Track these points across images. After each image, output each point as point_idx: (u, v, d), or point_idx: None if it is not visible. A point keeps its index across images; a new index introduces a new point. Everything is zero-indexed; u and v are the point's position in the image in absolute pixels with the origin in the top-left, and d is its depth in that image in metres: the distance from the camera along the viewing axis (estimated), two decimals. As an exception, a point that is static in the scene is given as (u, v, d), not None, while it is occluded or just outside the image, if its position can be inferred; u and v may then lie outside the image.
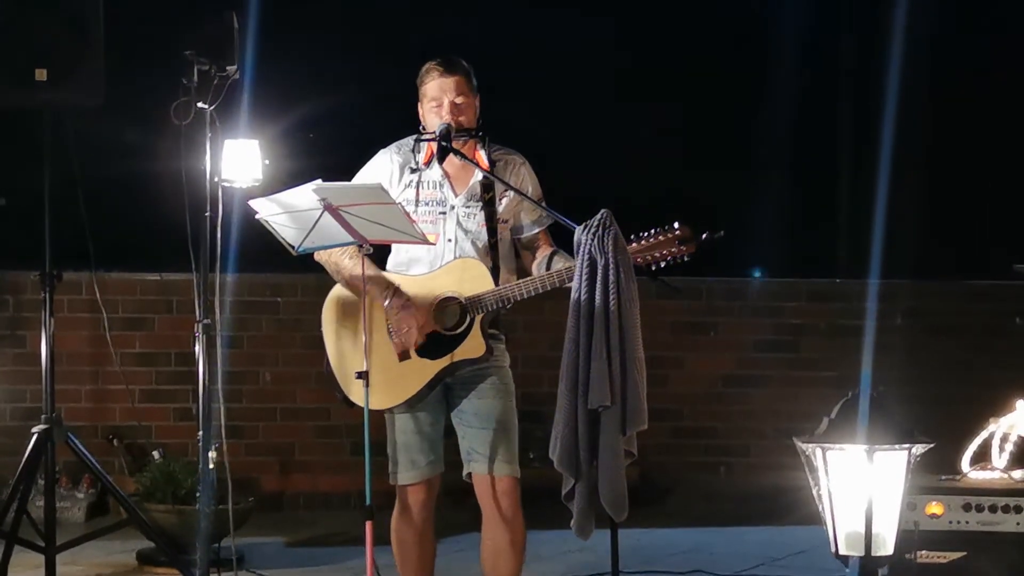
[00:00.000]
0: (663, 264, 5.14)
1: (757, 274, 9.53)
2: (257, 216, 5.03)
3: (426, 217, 5.24)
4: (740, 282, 9.55)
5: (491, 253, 5.29)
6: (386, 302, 5.16)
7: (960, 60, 9.64)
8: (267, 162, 6.71)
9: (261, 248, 5.63)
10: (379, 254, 5.31)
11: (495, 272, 5.24)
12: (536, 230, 5.41)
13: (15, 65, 6.41)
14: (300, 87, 8.66)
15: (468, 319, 5.17)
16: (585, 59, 9.49)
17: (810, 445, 4.55)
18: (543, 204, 5.36)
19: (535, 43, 9.28)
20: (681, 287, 8.76)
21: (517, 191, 5.29)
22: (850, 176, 9.96)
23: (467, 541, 5.91)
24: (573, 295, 4.99)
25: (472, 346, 5.18)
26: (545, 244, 5.40)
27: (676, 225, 5.14)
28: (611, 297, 4.93)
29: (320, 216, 4.91)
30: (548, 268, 5.27)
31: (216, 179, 5.83)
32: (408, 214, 5.07)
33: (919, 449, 4.53)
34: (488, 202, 5.30)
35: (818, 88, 9.86)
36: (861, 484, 4.47)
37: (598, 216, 4.99)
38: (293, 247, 5.08)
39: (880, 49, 8.78)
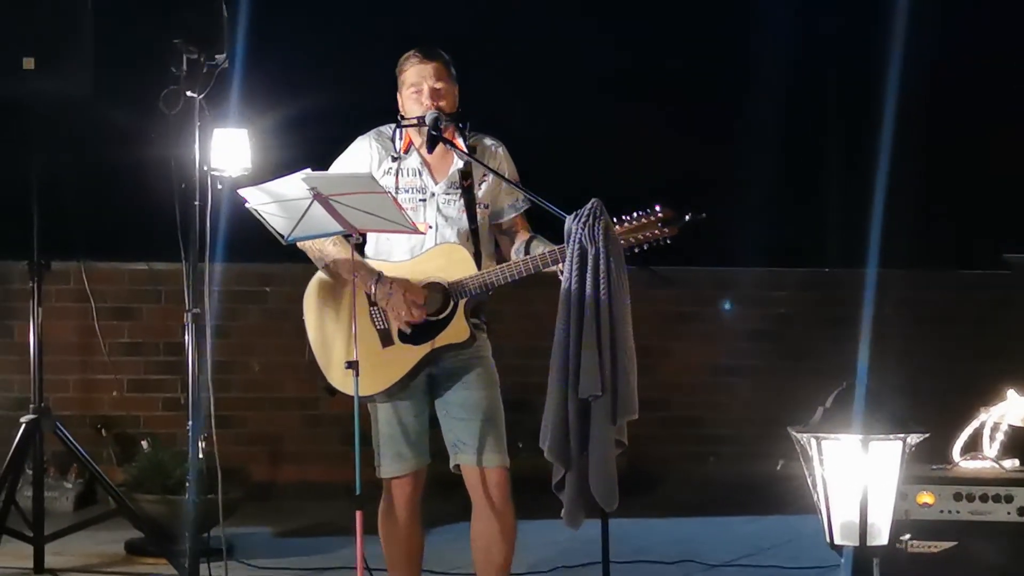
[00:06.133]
0: (646, 247, 5.13)
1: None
2: (246, 205, 5.01)
3: (406, 205, 5.20)
4: (728, 271, 9.54)
5: (472, 239, 5.28)
6: (373, 289, 5.13)
7: (955, 50, 9.62)
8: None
9: (250, 238, 5.60)
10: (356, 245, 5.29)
11: (477, 258, 5.24)
12: (514, 214, 5.40)
13: (3, 54, 6.40)
14: (290, 75, 8.63)
15: (452, 304, 5.16)
16: (574, 52, 9.47)
17: (805, 435, 4.55)
18: (520, 186, 5.34)
19: (528, 37, 9.27)
20: (671, 277, 8.89)
21: (496, 173, 5.28)
22: (840, 165, 9.94)
23: (457, 531, 5.89)
24: (564, 285, 4.98)
25: (456, 330, 5.17)
26: (523, 230, 5.40)
27: (659, 207, 5.13)
28: (602, 287, 4.91)
29: (310, 205, 4.89)
30: (527, 253, 5.26)
31: (205, 168, 5.82)
32: (398, 203, 5.05)
33: (914, 439, 4.52)
34: (467, 188, 5.29)
35: (810, 76, 9.83)
36: (856, 474, 4.47)
37: (588, 205, 4.98)
38: (283, 237, 5.05)
39: (875, 37, 8.76)
